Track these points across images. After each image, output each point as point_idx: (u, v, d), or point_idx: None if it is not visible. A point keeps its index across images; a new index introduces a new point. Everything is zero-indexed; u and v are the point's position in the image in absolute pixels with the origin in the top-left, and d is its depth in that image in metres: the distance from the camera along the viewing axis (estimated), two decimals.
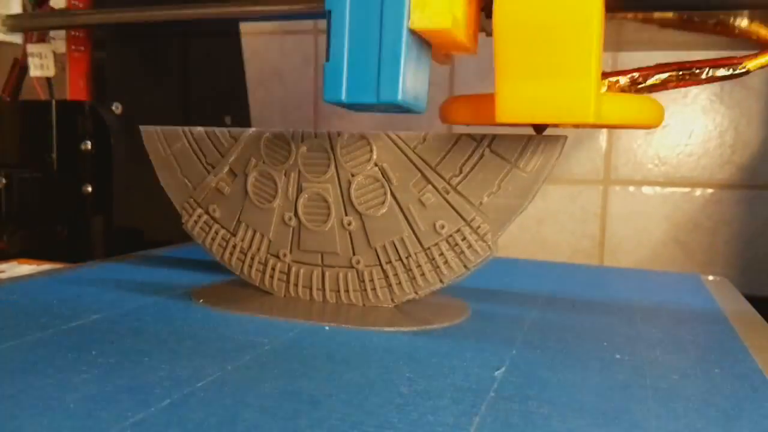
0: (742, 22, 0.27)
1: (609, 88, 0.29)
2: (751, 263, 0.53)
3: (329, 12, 0.23)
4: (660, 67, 0.29)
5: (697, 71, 0.28)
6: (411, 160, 0.29)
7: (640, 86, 0.29)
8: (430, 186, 0.29)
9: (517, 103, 0.24)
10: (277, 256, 0.32)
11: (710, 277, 0.43)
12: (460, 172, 0.29)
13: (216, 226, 0.33)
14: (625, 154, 0.55)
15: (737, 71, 0.28)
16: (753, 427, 0.19)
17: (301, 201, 0.31)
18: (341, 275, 0.31)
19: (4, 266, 0.44)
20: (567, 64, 0.23)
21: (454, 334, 0.28)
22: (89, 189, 0.47)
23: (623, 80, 0.29)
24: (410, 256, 0.30)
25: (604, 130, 0.55)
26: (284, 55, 0.67)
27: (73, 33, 0.49)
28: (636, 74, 0.29)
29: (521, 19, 0.23)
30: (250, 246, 0.33)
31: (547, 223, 0.57)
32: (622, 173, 0.55)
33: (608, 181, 0.56)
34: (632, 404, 0.21)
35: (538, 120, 0.24)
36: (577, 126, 0.29)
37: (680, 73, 0.29)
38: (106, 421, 0.18)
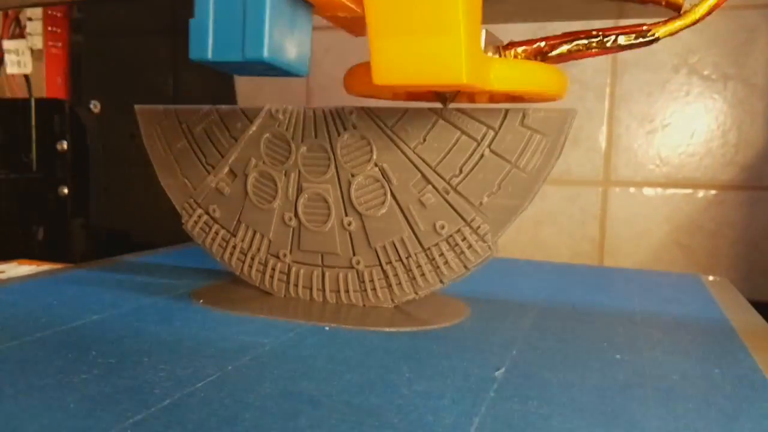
0: None
1: (515, 57, 0.28)
2: (756, 267, 0.52)
3: None
4: (567, 36, 0.28)
5: (605, 39, 0.27)
6: (411, 160, 0.29)
7: (548, 55, 0.28)
8: (430, 186, 0.29)
9: (391, 63, 0.23)
10: (277, 257, 0.32)
11: (710, 278, 0.43)
12: (460, 172, 0.29)
13: (216, 226, 0.33)
14: (625, 155, 0.54)
15: (646, 38, 0.27)
16: (753, 427, 0.19)
17: (301, 201, 0.31)
18: (341, 275, 0.31)
19: (4, 266, 0.44)
20: (434, 21, 0.22)
21: (454, 334, 0.28)
22: (65, 191, 0.47)
23: (529, 49, 0.28)
24: (410, 256, 0.30)
25: (603, 129, 0.54)
26: None
27: (50, 28, 0.47)
28: (543, 43, 0.28)
29: None
30: (250, 246, 0.33)
31: (545, 225, 0.56)
32: (623, 174, 0.54)
33: (608, 182, 0.55)
34: (632, 404, 0.21)
35: (414, 81, 0.24)
36: (455, 89, 0.27)
37: (587, 41, 0.28)
38: (106, 421, 0.18)
